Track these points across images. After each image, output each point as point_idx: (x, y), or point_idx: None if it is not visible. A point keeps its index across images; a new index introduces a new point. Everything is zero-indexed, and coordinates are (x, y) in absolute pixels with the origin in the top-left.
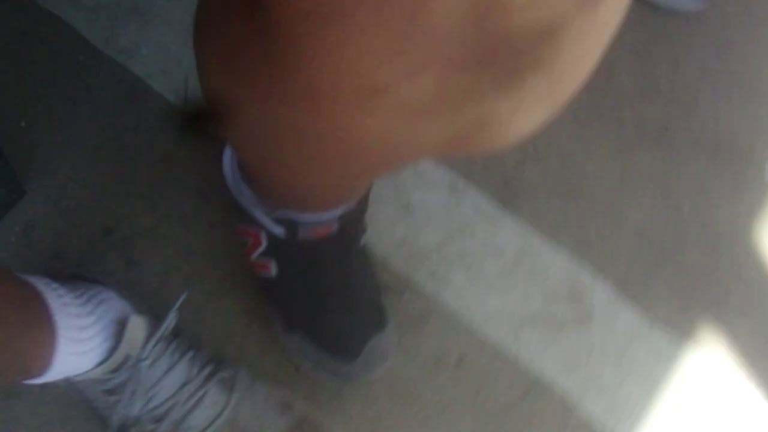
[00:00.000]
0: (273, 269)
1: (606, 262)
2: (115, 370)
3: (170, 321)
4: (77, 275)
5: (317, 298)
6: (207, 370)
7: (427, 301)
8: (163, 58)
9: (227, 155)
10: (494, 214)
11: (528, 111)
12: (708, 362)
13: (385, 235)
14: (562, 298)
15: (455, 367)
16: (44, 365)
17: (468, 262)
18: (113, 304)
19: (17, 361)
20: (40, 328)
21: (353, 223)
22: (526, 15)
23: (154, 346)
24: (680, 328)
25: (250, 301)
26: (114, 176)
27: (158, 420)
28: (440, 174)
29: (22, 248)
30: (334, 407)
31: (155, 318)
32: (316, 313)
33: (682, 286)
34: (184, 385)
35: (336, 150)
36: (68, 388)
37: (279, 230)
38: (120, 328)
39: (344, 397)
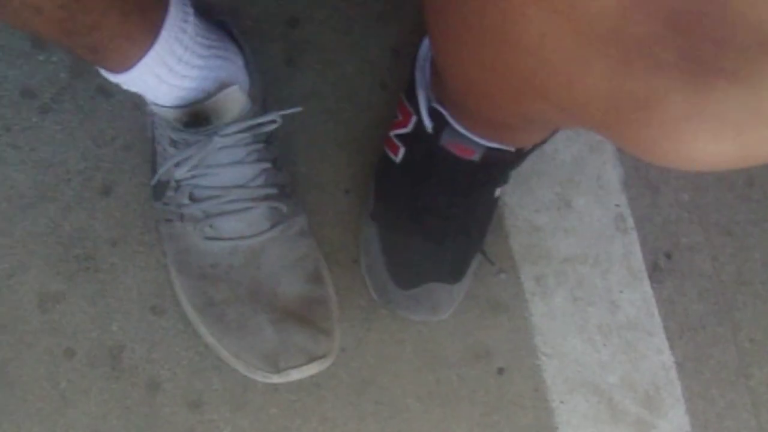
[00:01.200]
0: (400, 156)
1: (700, 399)
2: (188, 125)
3: (267, 119)
4: (223, 24)
5: (417, 209)
6: (270, 190)
7: (515, 297)
8: None
9: None
10: (638, 273)
11: (709, 129)
12: None
13: (528, 210)
14: (636, 394)
15: (495, 373)
16: (126, 60)
17: (579, 294)
18: (230, 69)
19: (106, 32)
20: (140, 24)
21: (496, 166)
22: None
23: (238, 131)
24: None
25: (361, 170)
26: None
27: (194, 200)
28: (618, 200)
29: None
30: (353, 322)
31: (259, 109)
32: (404, 224)
33: None
34: (240, 187)
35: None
36: (144, 117)
37: (428, 123)
38: (219, 90)
39: (370, 322)
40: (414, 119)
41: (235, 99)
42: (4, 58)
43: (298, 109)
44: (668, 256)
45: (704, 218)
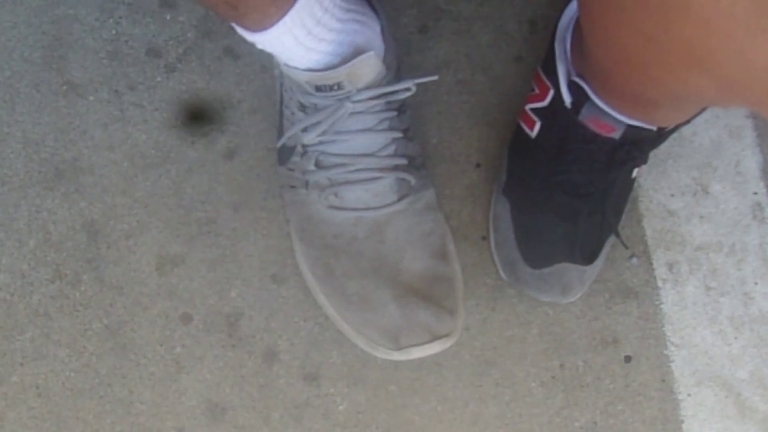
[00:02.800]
0: (535, 130)
1: None
2: (319, 89)
3: (402, 87)
4: None
5: (551, 186)
6: (399, 161)
7: (645, 283)
8: None
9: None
10: None
11: None
12: None
13: (663, 194)
14: (765, 389)
15: (622, 361)
16: (265, 18)
17: (712, 283)
18: (367, 34)
19: None
20: None
21: (636, 145)
22: None
23: (371, 98)
24: None
25: (494, 144)
26: None
27: (320, 167)
28: (756, 188)
29: None
30: (479, 300)
31: (393, 77)
32: (538, 201)
33: None
34: (368, 156)
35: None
36: (273, 79)
37: (567, 97)
38: (354, 55)
39: (496, 301)
40: (551, 93)
41: (371, 65)
42: (130, 15)
43: (434, 77)
44: None
45: None
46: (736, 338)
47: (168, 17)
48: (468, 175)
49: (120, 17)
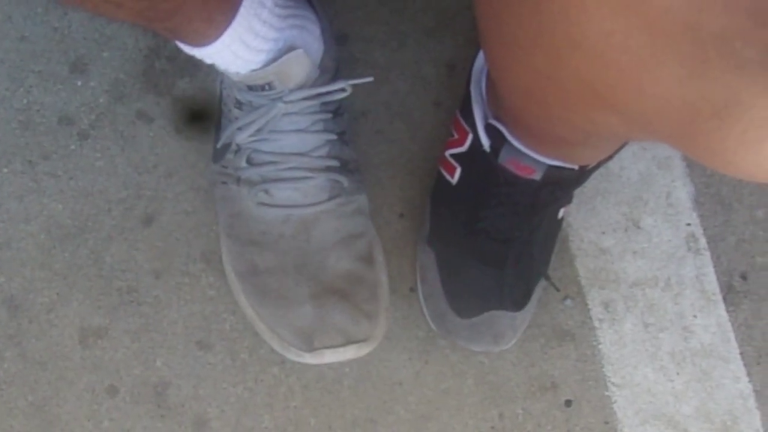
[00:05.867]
0: (456, 176)
1: None
2: (252, 89)
3: (334, 88)
4: None
5: (476, 233)
6: (332, 162)
7: (582, 324)
8: None
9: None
10: (712, 296)
11: None
12: None
13: (593, 232)
14: (713, 425)
15: (563, 405)
16: (204, 38)
17: (650, 319)
18: (306, 38)
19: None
20: (219, 5)
21: (559, 185)
22: None
23: (304, 99)
24: None
25: (416, 192)
26: None
27: (252, 164)
28: (689, 219)
29: None
30: (411, 354)
31: (330, 80)
32: (462, 249)
33: None
34: (300, 155)
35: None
36: (216, 77)
37: (485, 141)
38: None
39: (429, 353)
40: (470, 137)
41: (300, 64)
42: (40, 83)
43: (369, 79)
44: (744, 277)
45: None
46: (678, 374)
47: (79, 83)
48: (392, 226)
49: (30, 86)
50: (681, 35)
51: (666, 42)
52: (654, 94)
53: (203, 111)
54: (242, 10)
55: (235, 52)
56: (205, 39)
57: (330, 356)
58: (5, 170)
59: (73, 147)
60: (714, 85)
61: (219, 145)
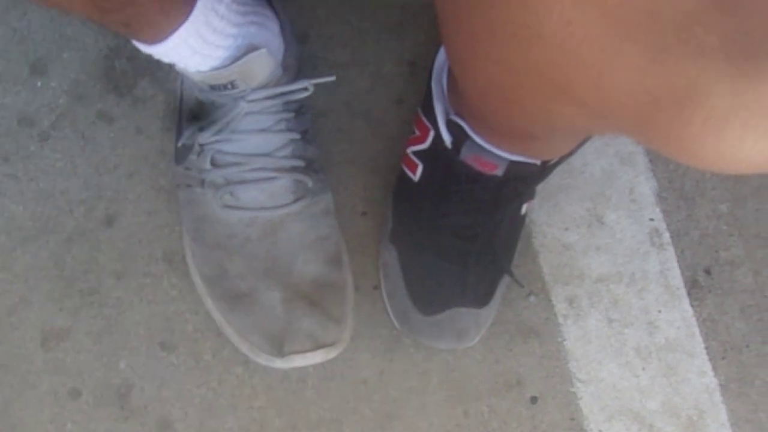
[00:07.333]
0: (418, 174)
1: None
2: (215, 89)
3: (297, 87)
4: None
5: (438, 230)
6: (297, 162)
7: (546, 321)
8: None
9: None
10: (676, 291)
11: (759, 125)
12: None
13: (557, 228)
14: (679, 420)
15: (528, 402)
16: (159, 33)
17: (615, 315)
18: (265, 35)
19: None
20: (174, 1)
21: (521, 180)
22: None
23: (266, 98)
24: None
25: (378, 191)
26: None
27: (216, 166)
28: (652, 214)
29: None
30: (375, 353)
31: (292, 78)
32: (425, 246)
33: None
34: (264, 156)
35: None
36: (177, 78)
37: (447, 137)
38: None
39: (393, 352)
40: (432, 134)
41: (262, 63)
42: (0, 85)
43: (331, 77)
44: (707, 271)
45: (744, 230)
46: (643, 369)
47: (39, 84)
48: (354, 225)
49: None
50: (640, 23)
51: (625, 30)
52: (614, 84)
53: (164, 111)
54: (199, 4)
55: (192, 46)
56: (160, 33)
57: (299, 361)
58: None
59: (33, 148)
60: (674, 73)
61: (179, 144)
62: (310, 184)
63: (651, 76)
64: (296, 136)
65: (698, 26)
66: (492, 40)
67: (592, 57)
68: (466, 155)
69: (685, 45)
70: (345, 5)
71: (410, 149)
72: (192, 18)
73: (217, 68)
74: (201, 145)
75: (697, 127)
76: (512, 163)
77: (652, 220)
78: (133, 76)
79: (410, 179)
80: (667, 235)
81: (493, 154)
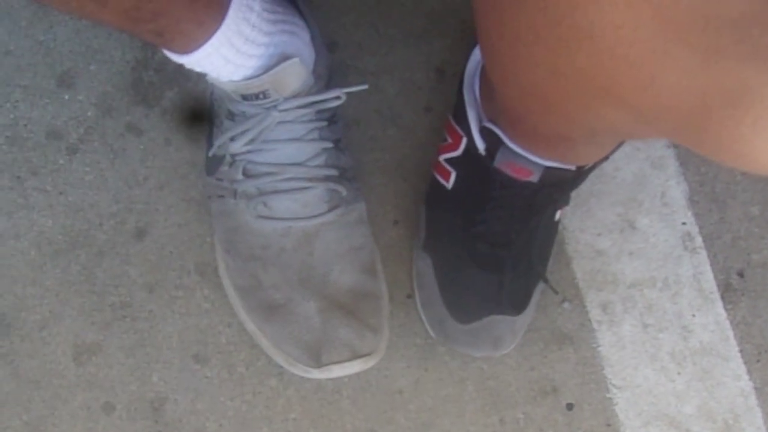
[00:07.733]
0: (451, 181)
1: None
2: (247, 98)
3: (329, 96)
4: None
5: (472, 238)
6: (330, 171)
7: (581, 327)
8: None
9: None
10: (709, 294)
11: None
12: None
13: (589, 234)
14: (715, 424)
15: (564, 409)
16: (192, 42)
17: (649, 320)
18: (296, 44)
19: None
20: (207, 6)
21: (558, 187)
22: None
23: (299, 107)
24: None
25: (410, 199)
26: None
27: (248, 176)
28: (684, 218)
29: None
30: (410, 362)
31: (323, 87)
32: (459, 255)
33: None
34: (297, 165)
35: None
36: (207, 89)
37: (480, 144)
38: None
39: (428, 360)
40: (464, 141)
41: (296, 72)
42: (27, 98)
43: (364, 86)
44: (740, 274)
45: None
46: (679, 374)
47: (66, 97)
48: (387, 234)
49: (17, 101)
50: (693, 24)
51: (677, 32)
52: (664, 86)
53: (193, 122)
54: (231, 13)
55: (224, 55)
56: (193, 42)
57: (337, 371)
58: None
59: (61, 161)
60: (726, 74)
61: (210, 154)
62: (344, 193)
63: (702, 77)
64: (329, 144)
65: (755, 27)
66: (537, 43)
67: (642, 60)
68: (501, 162)
69: (740, 46)
70: (372, 12)
71: (442, 157)
72: (224, 27)
73: (249, 78)
74: (233, 156)
75: (748, 128)
76: (547, 169)
77: (684, 224)
78: (160, 87)
79: (443, 187)
80: (699, 239)
81: (528, 160)
